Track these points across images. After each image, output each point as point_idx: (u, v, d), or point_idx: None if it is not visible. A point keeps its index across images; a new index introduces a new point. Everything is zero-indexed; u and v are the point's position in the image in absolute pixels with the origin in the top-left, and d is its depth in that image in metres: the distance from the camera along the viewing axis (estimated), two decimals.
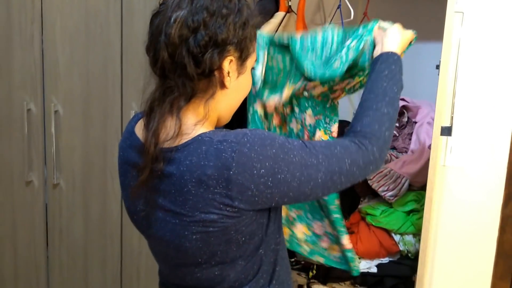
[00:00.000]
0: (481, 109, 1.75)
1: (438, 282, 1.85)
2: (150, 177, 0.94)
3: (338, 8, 1.92)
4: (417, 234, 1.79)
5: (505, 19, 1.68)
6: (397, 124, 1.90)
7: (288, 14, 1.92)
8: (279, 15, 1.89)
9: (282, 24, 1.90)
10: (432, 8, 1.93)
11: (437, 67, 1.62)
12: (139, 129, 1.02)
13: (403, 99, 1.90)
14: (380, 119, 1.05)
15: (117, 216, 1.89)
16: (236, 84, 0.98)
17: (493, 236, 1.83)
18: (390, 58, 1.13)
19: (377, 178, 1.71)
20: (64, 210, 1.96)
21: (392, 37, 1.19)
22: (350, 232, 1.83)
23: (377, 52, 1.18)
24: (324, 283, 1.81)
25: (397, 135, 1.88)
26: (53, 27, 1.85)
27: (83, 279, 1.99)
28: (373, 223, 1.81)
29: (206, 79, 0.93)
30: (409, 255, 1.81)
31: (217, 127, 1.05)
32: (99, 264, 1.95)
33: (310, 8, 2.14)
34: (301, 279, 1.85)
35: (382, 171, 1.69)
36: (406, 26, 1.96)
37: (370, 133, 1.03)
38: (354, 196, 1.89)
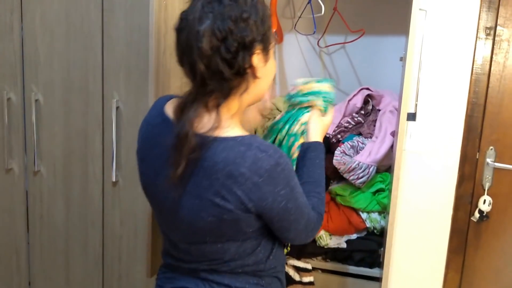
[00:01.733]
0: (439, 98, 1.91)
1: (399, 255, 2.01)
2: (187, 168, 1.02)
3: (308, 3, 2.03)
4: (382, 212, 1.94)
5: (463, 17, 1.84)
6: (363, 112, 2.03)
7: None
8: None
9: None
10: (395, 5, 2.07)
11: (401, 59, 1.76)
12: (169, 109, 1.12)
13: (367, 88, 2.03)
14: (322, 202, 1.22)
15: (99, 201, 1.94)
16: (264, 71, 1.08)
17: (448, 214, 1.98)
18: (319, 148, 1.29)
19: (347, 170, 1.85)
20: (45, 196, 2.00)
21: (315, 128, 1.32)
22: None
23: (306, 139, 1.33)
24: (298, 258, 1.93)
25: (362, 121, 2.01)
26: (33, 16, 1.88)
27: (64, 263, 2.03)
28: (342, 203, 1.94)
29: (240, 77, 1.03)
30: (375, 231, 1.95)
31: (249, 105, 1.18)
32: (81, 248, 2.00)
33: (280, 2, 2.24)
34: None
35: (351, 166, 1.83)
36: (371, 20, 2.11)
37: (320, 213, 1.20)
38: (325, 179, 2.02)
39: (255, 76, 1.06)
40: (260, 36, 1.03)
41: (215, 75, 1.00)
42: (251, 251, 1.13)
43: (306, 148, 1.29)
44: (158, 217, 1.20)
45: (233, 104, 1.07)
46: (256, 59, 1.04)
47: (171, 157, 1.02)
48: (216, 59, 0.98)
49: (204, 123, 1.03)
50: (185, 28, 1.01)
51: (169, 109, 1.12)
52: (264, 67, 1.08)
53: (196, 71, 0.99)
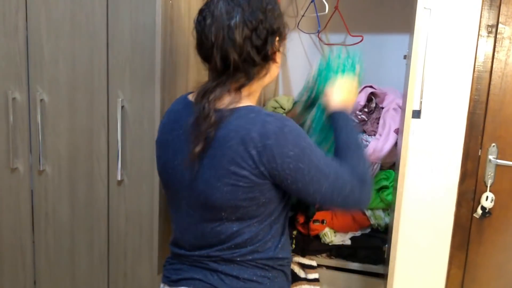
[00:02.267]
0: (442, 95, 1.92)
1: (403, 251, 2.01)
2: (205, 146, 1.09)
3: (312, 1, 2.04)
4: (386, 209, 1.95)
5: (465, 15, 1.85)
6: (366, 110, 2.04)
7: None
8: None
9: None
10: (399, 3, 2.08)
11: (405, 57, 1.78)
12: (192, 97, 1.20)
13: (371, 86, 2.05)
14: (358, 164, 1.19)
15: (104, 200, 1.94)
16: (280, 56, 1.20)
17: (451, 210, 1.99)
18: (336, 117, 1.28)
19: None
20: (50, 195, 2.01)
21: (330, 101, 1.32)
22: (326, 208, 1.97)
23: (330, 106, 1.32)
24: (303, 256, 1.95)
25: (366, 119, 2.03)
26: (37, 16, 1.88)
27: (69, 261, 2.04)
28: None
29: (264, 62, 1.14)
30: (379, 228, 1.96)
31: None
32: (86, 246, 2.01)
33: (284, 1, 2.25)
34: None
35: None
36: (375, 19, 2.12)
37: (362, 174, 1.17)
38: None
39: (275, 61, 1.18)
40: (279, 25, 1.15)
41: (246, 62, 1.10)
42: (261, 238, 1.16)
43: (336, 117, 1.28)
44: (173, 200, 1.24)
45: (254, 86, 1.18)
46: (278, 45, 1.16)
47: (191, 134, 1.10)
48: (248, 47, 1.09)
49: (224, 102, 1.12)
50: (213, 24, 1.09)
51: (191, 96, 1.21)
52: (280, 53, 1.19)
53: (229, 61, 1.08)
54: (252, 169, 1.06)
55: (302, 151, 1.08)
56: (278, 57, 1.18)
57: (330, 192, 1.11)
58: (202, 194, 1.12)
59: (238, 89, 1.13)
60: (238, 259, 1.16)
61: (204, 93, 1.11)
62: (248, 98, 1.16)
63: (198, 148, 1.08)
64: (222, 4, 1.09)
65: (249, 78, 1.13)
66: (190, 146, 1.11)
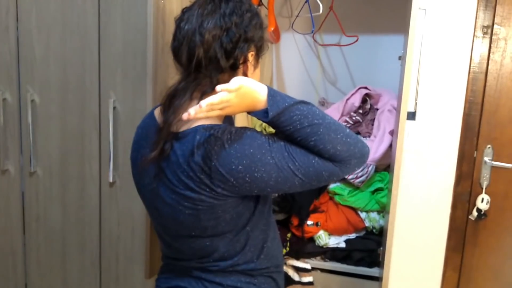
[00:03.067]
0: (437, 97, 1.90)
1: (398, 254, 2.00)
2: (160, 156, 1.05)
3: (306, 1, 2.02)
4: (381, 211, 1.94)
5: (460, 16, 1.84)
6: (361, 111, 2.03)
7: (259, 8, 2.00)
8: None
9: None
10: (393, 4, 2.07)
11: (400, 58, 1.76)
12: (158, 113, 1.15)
13: (366, 87, 2.03)
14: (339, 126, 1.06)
15: (95, 202, 1.92)
16: (254, 75, 1.13)
17: (446, 212, 1.98)
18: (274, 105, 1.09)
19: None
20: (41, 197, 1.98)
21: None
22: (320, 210, 1.95)
23: None
24: (297, 258, 1.93)
25: (361, 121, 2.01)
26: (28, 16, 1.86)
27: (61, 264, 2.01)
28: (341, 202, 1.94)
29: (232, 72, 1.07)
30: (374, 230, 1.95)
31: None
32: (77, 249, 1.98)
33: (278, 1, 2.23)
34: None
35: None
36: (369, 19, 2.11)
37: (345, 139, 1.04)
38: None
39: (245, 74, 1.10)
40: (256, 37, 1.10)
41: (212, 62, 1.04)
42: (239, 250, 1.13)
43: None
44: (151, 217, 1.24)
45: None
46: (251, 57, 1.10)
47: (152, 143, 1.06)
48: (216, 46, 1.04)
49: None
50: (189, 20, 1.07)
51: (158, 111, 1.16)
52: (253, 73, 1.13)
53: (193, 55, 1.04)
54: (208, 193, 1.02)
55: (251, 160, 1.00)
56: (250, 72, 1.11)
57: (308, 182, 1.03)
58: (169, 217, 1.11)
59: (200, 96, 1.05)
60: (220, 270, 1.15)
61: (171, 99, 1.07)
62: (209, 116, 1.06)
63: (153, 155, 1.04)
64: (204, 4, 1.07)
65: (212, 85, 1.03)
66: (155, 169, 1.08)
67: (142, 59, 1.74)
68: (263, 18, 1.14)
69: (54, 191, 1.96)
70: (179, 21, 1.09)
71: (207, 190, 1.02)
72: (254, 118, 1.57)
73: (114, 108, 1.83)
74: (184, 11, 1.10)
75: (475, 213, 1.95)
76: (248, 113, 1.07)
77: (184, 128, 1.06)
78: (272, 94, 1.04)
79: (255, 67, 1.13)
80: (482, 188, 1.95)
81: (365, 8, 2.12)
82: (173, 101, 1.07)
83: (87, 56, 1.83)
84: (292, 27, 2.20)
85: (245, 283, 1.15)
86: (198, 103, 0.98)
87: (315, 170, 1.01)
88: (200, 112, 0.97)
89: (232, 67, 1.07)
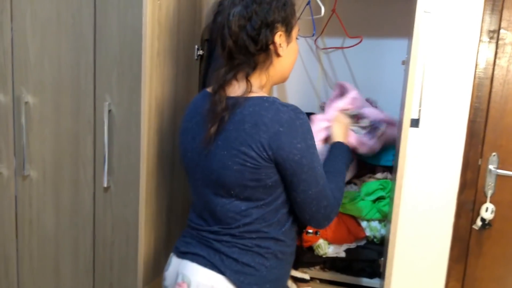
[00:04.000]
0: (441, 103, 1.86)
1: (400, 264, 1.96)
2: (219, 125, 1.21)
3: (307, 4, 1.98)
4: (382, 220, 1.89)
5: (466, 20, 1.80)
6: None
7: None
8: None
9: None
10: (397, 7, 2.02)
11: (403, 62, 1.71)
12: (210, 89, 1.32)
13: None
14: (340, 190, 1.33)
15: (90, 207, 1.88)
16: (287, 51, 1.30)
17: (449, 221, 1.94)
18: (341, 146, 1.49)
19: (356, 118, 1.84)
20: (34, 201, 1.94)
21: (337, 131, 1.58)
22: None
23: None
24: (295, 268, 1.88)
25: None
26: (23, 16, 1.82)
27: (54, 270, 1.97)
28: (342, 211, 1.89)
29: (264, 53, 1.25)
30: (375, 240, 1.90)
31: (275, 84, 1.40)
32: (71, 255, 1.94)
33: None
34: None
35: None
36: (372, 22, 2.06)
37: (336, 199, 1.30)
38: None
39: (277, 54, 1.27)
40: (280, 17, 1.24)
41: (242, 49, 1.22)
42: (268, 219, 1.26)
43: (331, 147, 1.49)
44: (192, 181, 1.37)
45: (262, 77, 1.28)
46: (278, 38, 1.25)
47: (207, 118, 1.23)
48: (243, 35, 1.21)
49: (236, 89, 1.24)
50: (221, 12, 1.24)
51: (210, 89, 1.33)
52: (287, 48, 1.29)
53: (225, 46, 1.22)
54: (260, 152, 1.16)
55: (307, 148, 1.18)
56: (282, 51, 1.27)
57: (311, 199, 1.22)
58: (215, 173, 1.24)
59: (245, 78, 1.23)
60: (244, 235, 1.26)
61: (217, 80, 1.24)
62: (261, 91, 1.26)
63: (213, 129, 1.20)
64: None
65: (251, 67, 1.24)
66: (206, 129, 1.23)
67: (138, 61, 1.70)
68: None
69: (47, 195, 1.92)
70: (215, 14, 1.26)
71: (261, 149, 1.16)
72: None
73: (110, 111, 1.78)
74: (219, 3, 1.26)
75: (479, 222, 1.91)
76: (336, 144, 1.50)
77: (238, 95, 1.22)
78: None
79: (288, 42, 1.29)
80: (486, 197, 1.91)
81: (368, 11, 2.08)
82: (221, 79, 1.24)
83: (82, 57, 1.79)
84: None
85: (258, 263, 1.27)
86: (246, 84, 1.22)
87: (326, 194, 1.24)
88: None
89: (261, 49, 1.23)
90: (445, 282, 1.98)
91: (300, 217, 1.29)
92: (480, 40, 1.82)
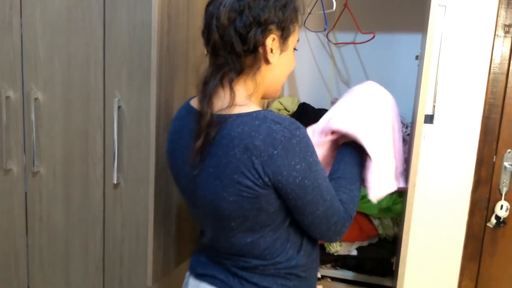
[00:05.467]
0: (455, 98, 1.83)
1: (411, 263, 1.94)
2: (205, 144, 1.06)
3: None
4: (395, 218, 1.87)
5: (481, 15, 1.76)
6: None
7: None
8: None
9: None
10: (410, 0, 1.99)
11: (417, 57, 1.68)
12: (194, 102, 1.16)
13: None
14: (353, 200, 1.15)
15: (99, 204, 1.88)
16: (279, 60, 1.10)
17: (463, 219, 1.92)
18: (357, 148, 1.24)
19: None
20: (44, 198, 1.94)
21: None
22: None
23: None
24: None
25: None
26: (32, 12, 1.82)
27: (64, 267, 1.97)
28: None
29: (252, 55, 1.06)
30: (387, 238, 1.88)
31: (264, 98, 1.20)
32: (81, 252, 1.94)
33: None
34: None
35: None
36: (385, 16, 2.03)
37: (348, 210, 1.13)
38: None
39: (267, 60, 1.08)
40: (276, 19, 1.05)
41: (227, 46, 1.04)
42: (280, 246, 1.12)
43: (345, 147, 1.25)
44: (190, 208, 1.23)
45: (249, 85, 1.09)
46: (270, 41, 1.06)
47: (194, 134, 1.07)
48: (230, 30, 1.03)
49: (222, 100, 1.07)
50: (213, 2, 1.07)
51: (194, 101, 1.16)
52: (279, 56, 1.10)
53: (210, 39, 1.05)
54: (255, 179, 1.01)
55: (309, 167, 1.02)
56: (272, 58, 1.08)
57: (320, 218, 1.07)
58: (211, 204, 1.09)
59: (229, 83, 1.06)
60: (260, 268, 1.13)
61: (203, 91, 1.08)
62: (249, 100, 1.09)
63: (198, 144, 1.05)
64: None
65: (236, 70, 1.06)
66: (198, 156, 1.08)
67: (148, 57, 1.69)
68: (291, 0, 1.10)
69: (57, 192, 1.92)
70: (207, 4, 1.09)
71: (256, 176, 1.00)
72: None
73: (119, 107, 1.78)
74: None
75: (493, 220, 1.88)
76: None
77: (235, 111, 1.05)
78: None
79: (282, 49, 1.10)
80: (501, 195, 1.88)
81: (381, 5, 2.04)
82: (206, 88, 1.07)
83: (91, 53, 1.79)
84: (304, 24, 2.12)
85: (281, 285, 1.14)
86: (232, 93, 1.05)
87: (334, 210, 1.08)
88: None
89: (248, 51, 1.05)
90: (458, 280, 1.95)
91: (309, 235, 1.16)
92: (495, 35, 1.79)
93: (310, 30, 2.14)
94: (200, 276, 1.23)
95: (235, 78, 1.06)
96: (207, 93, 1.06)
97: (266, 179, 1.01)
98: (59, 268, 1.99)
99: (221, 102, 1.07)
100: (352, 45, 2.11)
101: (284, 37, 1.09)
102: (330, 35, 2.14)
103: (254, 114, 1.03)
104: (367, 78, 2.12)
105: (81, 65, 1.81)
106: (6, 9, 1.83)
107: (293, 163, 1.00)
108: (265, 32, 1.05)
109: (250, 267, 1.13)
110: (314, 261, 1.22)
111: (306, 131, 1.04)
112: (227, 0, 1.04)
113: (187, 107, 1.18)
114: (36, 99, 1.87)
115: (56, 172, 1.91)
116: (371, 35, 1.92)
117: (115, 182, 1.81)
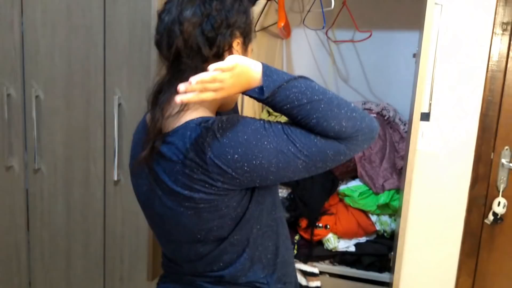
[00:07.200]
0: (453, 96, 1.84)
1: (410, 259, 1.95)
2: (151, 155, 1.00)
3: None
4: (392, 214, 1.88)
5: (479, 12, 1.77)
6: None
7: (269, 2, 1.95)
8: (261, 3, 1.92)
9: (263, 12, 1.93)
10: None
11: (414, 55, 1.70)
12: (148, 117, 1.08)
13: None
14: (329, 103, 0.97)
15: (100, 201, 1.89)
16: None
17: (461, 216, 1.92)
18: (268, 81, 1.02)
19: None
20: (45, 195, 1.96)
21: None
22: (330, 213, 1.90)
23: None
24: (305, 262, 1.88)
25: None
26: (33, 10, 1.83)
27: (65, 263, 1.99)
28: (351, 204, 1.88)
29: (216, 60, 0.95)
30: (385, 234, 1.89)
31: (221, 112, 1.11)
32: (82, 248, 1.96)
33: None
34: None
35: None
36: (383, 15, 2.04)
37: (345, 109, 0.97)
38: (333, 179, 1.96)
39: None
40: (241, 24, 1.03)
41: (192, 51, 0.98)
42: (251, 258, 1.06)
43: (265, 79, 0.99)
44: (152, 226, 1.17)
45: None
46: (236, 45, 1.03)
47: (142, 143, 1.01)
48: (197, 35, 0.97)
49: (173, 107, 1.00)
50: (169, 10, 1.00)
51: (149, 115, 1.09)
52: None
53: (172, 46, 0.98)
54: (207, 189, 0.96)
55: (247, 147, 0.93)
56: None
57: (312, 164, 0.95)
58: (171, 222, 1.05)
59: None
60: (231, 280, 1.07)
61: (155, 98, 1.03)
62: (196, 106, 1.02)
63: (143, 154, 0.99)
64: None
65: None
66: (149, 171, 1.03)
67: (148, 55, 1.70)
68: (246, 4, 1.06)
69: (58, 189, 1.94)
70: (160, 12, 1.03)
71: (206, 186, 0.95)
72: (262, 106, 1.49)
73: (119, 105, 1.79)
74: (166, 1, 1.03)
75: (491, 217, 1.89)
76: (243, 93, 0.98)
77: (174, 125, 1.00)
78: (267, 71, 0.96)
79: (244, 53, 1.06)
80: (499, 191, 1.89)
81: (378, 3, 2.05)
82: (159, 97, 1.01)
83: (92, 51, 1.80)
84: (303, 22, 2.14)
85: None
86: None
87: (319, 149, 0.94)
88: (191, 89, 0.88)
89: (216, 55, 0.99)
90: (456, 276, 1.96)
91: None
92: (493, 33, 1.80)
93: (309, 28, 2.15)
94: None
95: None
96: (160, 102, 1.00)
97: (219, 184, 0.95)
98: (60, 264, 2.00)
99: (171, 110, 1.00)
100: (350, 43, 2.12)
101: (246, 44, 1.06)
102: (329, 33, 2.15)
103: (187, 124, 0.98)
104: (366, 76, 2.14)
105: (81, 63, 1.82)
106: (8, 7, 1.84)
107: (229, 156, 0.93)
108: (232, 36, 1.01)
109: (221, 278, 1.08)
110: (287, 281, 1.15)
111: (231, 118, 0.97)
112: (189, 6, 0.98)
113: (143, 122, 1.14)
114: (37, 96, 1.88)
115: (57, 169, 1.92)
116: (369, 34, 1.94)
117: (116, 179, 1.83)
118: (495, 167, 1.89)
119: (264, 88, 0.95)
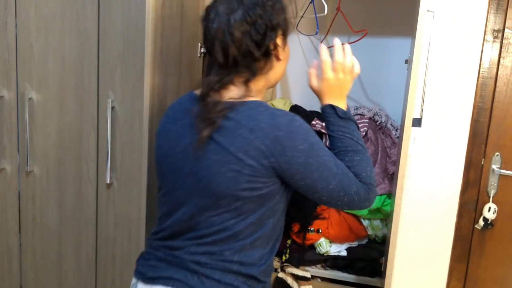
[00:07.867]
0: (444, 102, 1.85)
1: (400, 264, 1.96)
2: (211, 127, 1.12)
3: (311, 2, 1.97)
4: (384, 219, 1.89)
5: (470, 19, 1.79)
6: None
7: None
8: None
9: None
10: (401, 5, 2.02)
11: (406, 61, 1.71)
12: (199, 92, 1.21)
13: None
14: (362, 165, 1.19)
15: (92, 204, 1.89)
16: (284, 54, 1.22)
17: (452, 221, 1.94)
18: (330, 113, 1.26)
19: None
20: (37, 197, 1.95)
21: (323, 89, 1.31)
22: (322, 217, 1.90)
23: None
24: (297, 266, 1.88)
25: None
26: (27, 12, 1.82)
27: (57, 266, 1.98)
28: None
29: (266, 57, 1.17)
30: (377, 239, 1.90)
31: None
32: (74, 251, 1.95)
33: None
34: (275, 263, 1.92)
35: None
36: (376, 21, 2.06)
37: (369, 177, 1.18)
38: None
39: (278, 58, 1.20)
40: (281, 21, 1.17)
41: (246, 56, 1.14)
42: (258, 236, 1.16)
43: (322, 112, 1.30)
44: (168, 190, 1.24)
45: (261, 82, 1.20)
46: (279, 41, 1.18)
47: (198, 121, 1.13)
48: (247, 41, 1.12)
49: (231, 93, 1.16)
50: (215, 19, 1.14)
51: (197, 91, 1.23)
52: (284, 51, 1.22)
53: (229, 55, 1.13)
54: (259, 159, 1.08)
55: (311, 146, 1.10)
56: (281, 54, 1.20)
57: (337, 191, 1.12)
58: (203, 180, 1.13)
59: (245, 83, 1.16)
60: (225, 253, 1.15)
61: (209, 84, 1.16)
62: (258, 96, 1.20)
63: (206, 132, 1.10)
64: (227, 1, 1.15)
65: (253, 72, 1.16)
66: (194, 132, 1.13)
67: (141, 59, 1.70)
68: (283, 2, 1.20)
69: (50, 191, 1.93)
70: (206, 21, 1.17)
71: (261, 156, 1.07)
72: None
73: (113, 108, 1.79)
74: (209, 10, 1.17)
75: (481, 222, 1.91)
76: (322, 109, 1.26)
77: (230, 99, 1.15)
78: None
79: (285, 45, 1.22)
80: (489, 197, 1.90)
81: (371, 10, 2.07)
82: (214, 85, 1.15)
83: (86, 54, 1.80)
84: (296, 28, 2.15)
85: (241, 282, 1.16)
86: (244, 88, 1.16)
87: (349, 180, 1.13)
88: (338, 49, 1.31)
89: (265, 54, 1.16)
90: (446, 281, 1.98)
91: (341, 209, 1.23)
92: (484, 40, 1.82)
93: (303, 34, 2.16)
94: (152, 280, 1.20)
95: (252, 78, 1.17)
96: (216, 86, 1.15)
97: (273, 160, 1.08)
98: (52, 267, 1.99)
99: (230, 94, 1.16)
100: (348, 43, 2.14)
101: (286, 35, 1.21)
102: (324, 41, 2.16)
103: (259, 102, 1.15)
104: (359, 81, 2.15)
105: (75, 65, 1.82)
106: (1, 9, 1.84)
107: (295, 143, 1.08)
108: (276, 34, 1.16)
109: (211, 260, 1.15)
110: (272, 267, 1.25)
111: (302, 119, 1.13)
112: (235, 15, 1.12)
113: (190, 94, 1.26)
114: (30, 99, 1.88)
115: (49, 171, 1.92)
116: (363, 33, 1.95)
117: (108, 182, 1.82)
118: (485, 172, 1.90)
119: (347, 111, 1.24)
